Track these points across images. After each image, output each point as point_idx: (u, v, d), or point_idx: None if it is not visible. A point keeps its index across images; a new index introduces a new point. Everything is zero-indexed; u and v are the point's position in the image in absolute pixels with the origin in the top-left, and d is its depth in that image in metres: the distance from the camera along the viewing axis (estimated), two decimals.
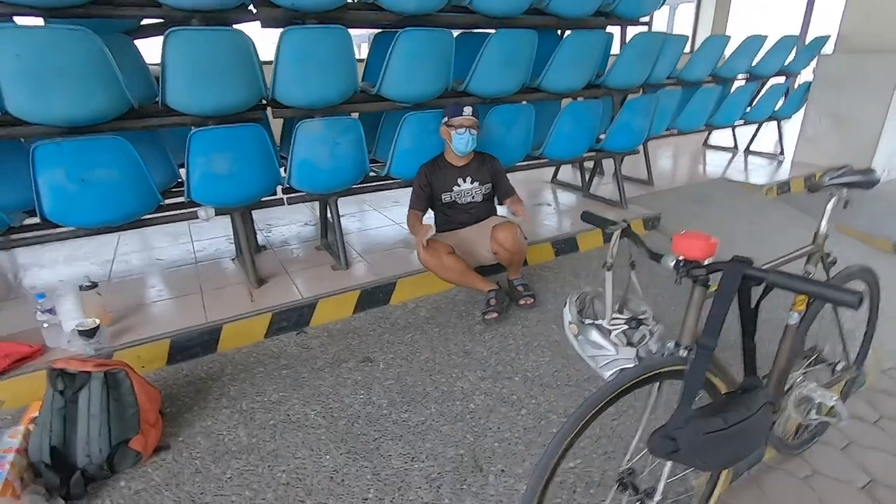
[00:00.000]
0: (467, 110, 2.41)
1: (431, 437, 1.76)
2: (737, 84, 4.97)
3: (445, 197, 2.56)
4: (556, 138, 3.15)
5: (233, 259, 2.89)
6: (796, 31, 7.00)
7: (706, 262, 1.05)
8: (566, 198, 4.07)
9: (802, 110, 5.12)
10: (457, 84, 2.88)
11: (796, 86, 5.22)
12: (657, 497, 1.17)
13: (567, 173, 4.46)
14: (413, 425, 1.82)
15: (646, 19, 3.86)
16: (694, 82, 4.37)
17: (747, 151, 5.59)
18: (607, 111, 3.69)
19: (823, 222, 1.55)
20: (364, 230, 3.39)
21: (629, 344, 1.22)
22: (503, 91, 2.98)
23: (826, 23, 5.24)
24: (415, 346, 2.28)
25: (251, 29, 2.85)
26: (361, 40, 6.25)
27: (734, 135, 5.63)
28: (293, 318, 2.36)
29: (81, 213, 2.05)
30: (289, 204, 2.60)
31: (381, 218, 3.61)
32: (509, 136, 2.95)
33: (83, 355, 1.92)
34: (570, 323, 1.29)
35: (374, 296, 2.56)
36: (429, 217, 2.62)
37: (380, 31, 3.21)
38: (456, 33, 3.12)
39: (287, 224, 3.55)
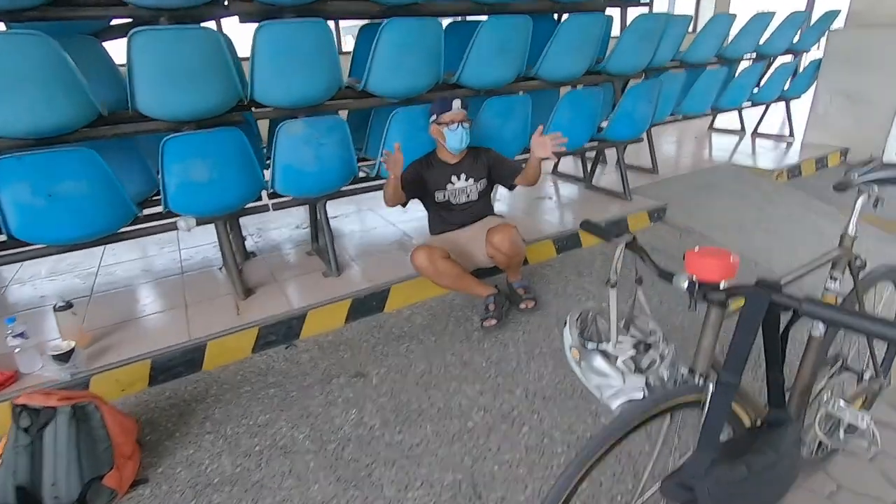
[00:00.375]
0: (456, 104, 2.27)
1: (427, 462, 1.65)
2: (743, 64, 4.77)
3: (439, 196, 2.42)
4: (555, 129, 2.96)
5: (220, 268, 2.77)
6: (802, 6, 6.74)
7: (725, 285, 0.91)
8: (568, 190, 3.92)
9: (812, 90, 4.92)
10: (448, 76, 2.73)
11: (805, 64, 5.01)
12: None
13: (568, 164, 4.31)
14: (407, 448, 1.70)
15: (646, 0, 3.66)
16: (699, 64, 4.18)
17: (755, 134, 5.40)
18: (608, 98, 3.52)
19: (852, 223, 1.41)
20: (358, 232, 3.26)
21: (637, 370, 1.09)
22: (497, 82, 2.82)
23: None
24: (410, 357, 2.16)
25: (231, 25, 2.72)
26: (350, 32, 6.07)
27: (741, 117, 5.43)
28: (282, 332, 2.25)
29: (51, 230, 1.93)
30: (274, 210, 2.47)
31: (375, 218, 3.48)
32: (505, 128, 2.80)
33: (56, 382, 1.82)
34: (571, 347, 1.16)
35: (367, 304, 2.44)
36: (422, 217, 2.49)
37: (366, 22, 3.06)
38: (445, 22, 2.97)
39: (278, 228, 3.42)
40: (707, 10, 7.92)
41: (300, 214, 3.63)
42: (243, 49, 2.22)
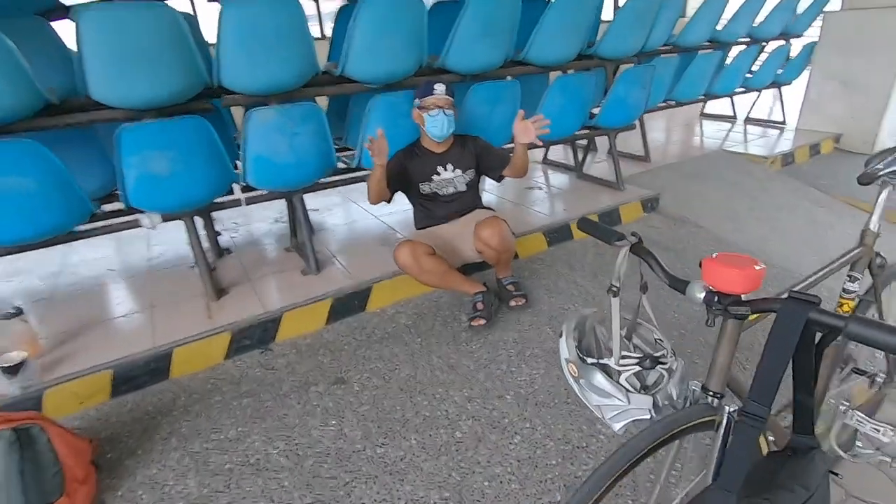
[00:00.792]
0: (439, 88, 2.11)
1: (411, 478, 1.53)
2: (735, 49, 4.64)
3: (424, 188, 2.28)
4: (545, 116, 2.84)
5: (192, 266, 2.60)
6: None
7: (748, 297, 0.79)
8: (558, 179, 3.79)
9: (805, 74, 4.82)
10: (432, 60, 2.56)
11: (795, 49, 4.90)
12: None
13: (558, 152, 4.18)
14: (390, 462, 1.58)
15: None
16: (692, 48, 4.05)
17: (747, 120, 5.30)
18: (600, 84, 3.38)
19: (874, 219, 1.29)
20: (340, 226, 3.11)
21: (643, 388, 0.97)
22: (485, 66, 2.66)
23: None
24: (394, 361, 2.03)
25: (204, 7, 2.53)
26: (328, 18, 5.82)
27: (733, 103, 5.33)
28: (256, 335, 2.10)
29: None
30: (247, 204, 2.31)
31: (358, 211, 3.33)
32: (494, 115, 2.65)
33: (5, 398, 1.66)
34: (567, 361, 1.03)
35: (349, 303, 2.30)
36: (408, 209, 2.35)
37: (345, 3, 2.88)
38: (430, 2, 2.79)
39: (256, 221, 3.26)
40: None
41: (280, 207, 3.45)
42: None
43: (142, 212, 2.06)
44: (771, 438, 1.05)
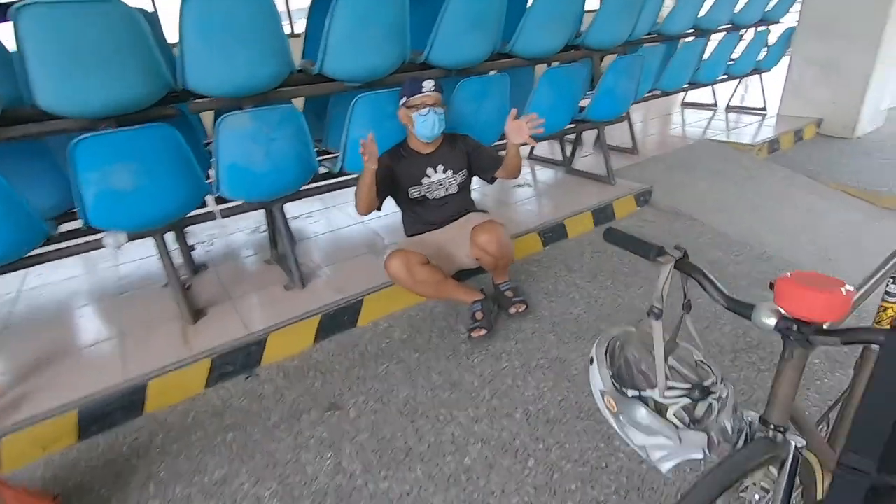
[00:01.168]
0: (427, 85, 1.97)
1: None
2: (715, 36, 4.60)
3: (413, 192, 2.13)
4: (534, 111, 2.71)
5: (165, 285, 2.41)
6: None
7: (830, 325, 0.67)
8: (547, 175, 3.68)
9: (785, 60, 4.81)
10: (415, 55, 2.41)
11: (773, 36, 4.88)
12: None
13: (544, 147, 4.06)
14: (396, 498, 1.44)
15: None
16: (675, 36, 3.98)
17: (728, 108, 5.28)
18: (587, 75, 3.28)
19: None
20: (323, 234, 2.94)
21: (693, 421, 0.85)
22: (471, 60, 2.52)
23: None
24: (391, 381, 1.89)
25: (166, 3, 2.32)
26: (302, 15, 5.60)
27: (713, 91, 5.30)
28: (239, 360, 1.93)
29: None
30: (223, 217, 2.13)
31: (343, 217, 3.16)
32: (481, 112, 2.51)
33: None
34: (602, 393, 0.91)
35: (338, 319, 2.15)
36: (397, 213, 2.20)
37: None
38: None
39: (233, 233, 3.06)
40: None
41: (258, 216, 3.26)
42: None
43: (104, 231, 1.87)
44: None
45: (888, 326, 1.07)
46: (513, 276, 2.33)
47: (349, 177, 2.42)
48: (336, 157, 2.37)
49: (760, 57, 4.71)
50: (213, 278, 2.46)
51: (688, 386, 0.85)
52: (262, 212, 3.17)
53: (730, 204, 3.29)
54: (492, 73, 2.71)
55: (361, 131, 2.16)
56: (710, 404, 0.87)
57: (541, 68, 3.44)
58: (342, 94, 2.40)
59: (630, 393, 0.88)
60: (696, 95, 5.47)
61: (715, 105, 5.38)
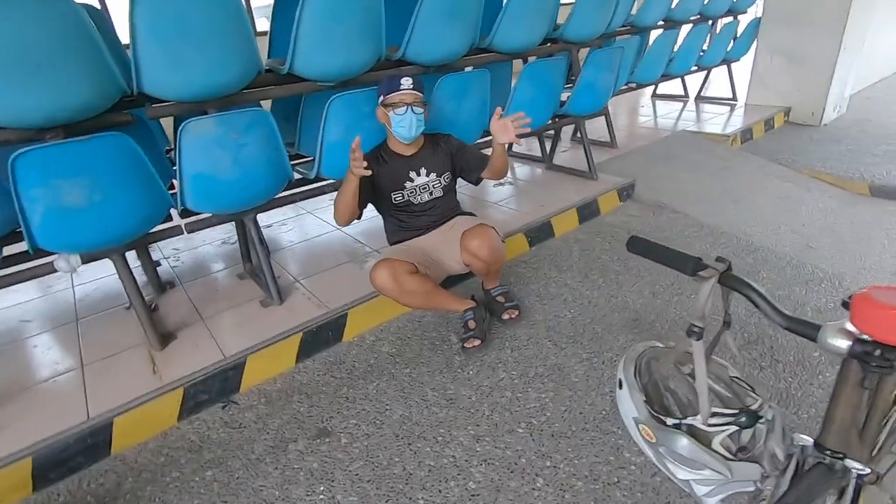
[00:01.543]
0: (406, 82, 1.85)
1: None
2: (685, 28, 4.62)
3: (396, 197, 2.01)
4: (516, 108, 2.61)
5: (127, 307, 2.22)
6: None
7: None
8: (527, 172, 3.61)
9: (752, 50, 4.87)
10: (391, 52, 2.28)
11: (741, 26, 4.94)
12: None
13: (521, 143, 3.97)
14: None
15: None
16: (648, 27, 3.95)
17: (698, 99, 5.33)
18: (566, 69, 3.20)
19: None
20: (299, 243, 2.78)
21: (741, 449, 0.77)
22: (449, 55, 2.41)
23: None
24: (382, 400, 1.77)
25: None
26: (264, 13, 5.37)
27: (684, 82, 5.34)
28: (215, 387, 1.78)
29: None
30: (189, 232, 1.96)
31: (319, 224, 3.00)
32: (461, 111, 2.41)
33: None
34: (637, 422, 0.82)
35: (321, 335, 2.01)
36: (374, 216, 2.07)
37: None
38: None
39: (201, 245, 2.87)
40: None
41: (228, 227, 3.07)
42: None
43: (55, 254, 1.68)
44: None
45: None
46: (502, 279, 2.24)
47: (325, 182, 2.28)
48: (310, 161, 2.22)
49: (729, 48, 4.75)
50: (181, 297, 2.28)
51: (734, 411, 0.76)
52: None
53: (710, 195, 3.28)
54: (467, 69, 2.60)
55: (338, 134, 2.03)
56: (757, 429, 0.79)
57: (518, 65, 3.37)
58: (315, 94, 2.25)
59: (669, 422, 0.79)
60: (666, 87, 5.51)
61: (686, 96, 5.42)
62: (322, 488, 1.46)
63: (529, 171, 3.61)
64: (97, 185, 1.57)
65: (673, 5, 4.03)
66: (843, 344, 0.61)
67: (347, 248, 2.62)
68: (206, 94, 1.82)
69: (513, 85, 2.67)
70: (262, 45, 2.58)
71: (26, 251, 1.65)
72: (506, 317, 2.07)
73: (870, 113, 4.89)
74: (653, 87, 5.49)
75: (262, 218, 2.94)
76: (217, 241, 2.91)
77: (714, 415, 0.76)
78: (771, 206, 3.20)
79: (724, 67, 4.98)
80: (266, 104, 2.63)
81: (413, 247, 2.04)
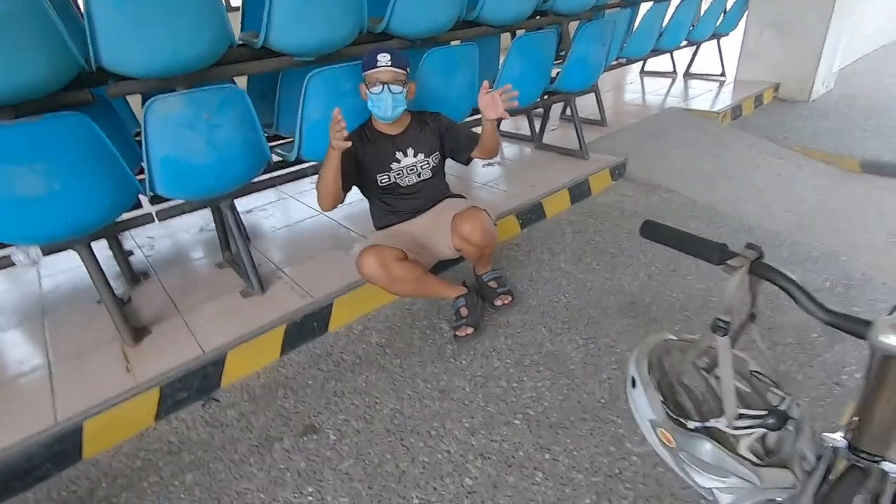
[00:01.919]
0: (383, 58, 1.71)
1: None
2: (674, 2, 4.50)
3: (382, 179, 1.90)
4: (505, 83, 2.51)
5: (99, 301, 2.09)
6: None
7: None
8: (516, 152, 3.51)
9: (742, 25, 4.78)
10: (373, 24, 2.14)
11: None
12: None
13: (508, 122, 3.87)
14: None
15: None
16: (638, 0, 3.83)
17: (687, 75, 5.24)
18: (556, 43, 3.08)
19: None
20: (281, 228, 2.66)
21: (768, 453, 0.70)
22: (435, 27, 2.28)
23: None
24: (372, 393, 1.69)
25: None
26: None
27: (672, 58, 5.24)
28: (194, 384, 1.68)
29: None
30: (161, 220, 1.83)
31: (301, 209, 2.87)
32: (450, 87, 2.29)
33: None
34: (653, 424, 0.75)
35: (307, 326, 1.91)
36: (359, 198, 1.97)
37: None
38: None
39: (177, 232, 2.73)
40: None
41: (205, 213, 2.93)
42: None
43: (12, 246, 1.55)
44: None
45: None
46: (494, 263, 2.16)
47: (307, 164, 2.15)
48: (290, 142, 2.09)
49: (719, 22, 4.65)
50: (156, 288, 2.16)
51: (762, 413, 0.69)
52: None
53: (703, 173, 3.22)
54: (454, 43, 2.47)
55: (318, 112, 1.91)
56: (785, 431, 0.72)
57: (505, 41, 3.24)
58: (293, 70, 2.11)
59: (691, 425, 0.72)
60: (654, 63, 5.41)
61: (674, 72, 5.33)
62: (311, 489, 1.38)
63: (518, 151, 3.51)
64: (55, 171, 1.44)
65: None
66: None
67: (332, 234, 2.51)
68: (173, 70, 1.68)
69: (501, 60, 2.55)
70: (236, 21, 2.43)
71: None
72: (499, 303, 2.00)
73: (856, 88, 4.87)
74: (641, 63, 5.40)
75: (242, 203, 2.82)
76: (195, 227, 2.77)
77: (741, 416, 0.70)
78: (763, 183, 3.16)
79: (713, 43, 4.90)
80: (241, 82, 2.49)
81: (401, 231, 1.94)
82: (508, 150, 3.55)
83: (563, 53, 3.33)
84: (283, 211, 2.87)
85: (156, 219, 1.80)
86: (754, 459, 0.69)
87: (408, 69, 1.76)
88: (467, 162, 2.02)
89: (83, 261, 1.70)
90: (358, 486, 1.38)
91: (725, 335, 0.68)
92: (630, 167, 3.15)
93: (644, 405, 0.76)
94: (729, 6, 4.69)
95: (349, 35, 2.04)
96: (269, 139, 2.45)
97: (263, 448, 1.51)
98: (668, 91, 4.84)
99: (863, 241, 2.55)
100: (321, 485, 1.39)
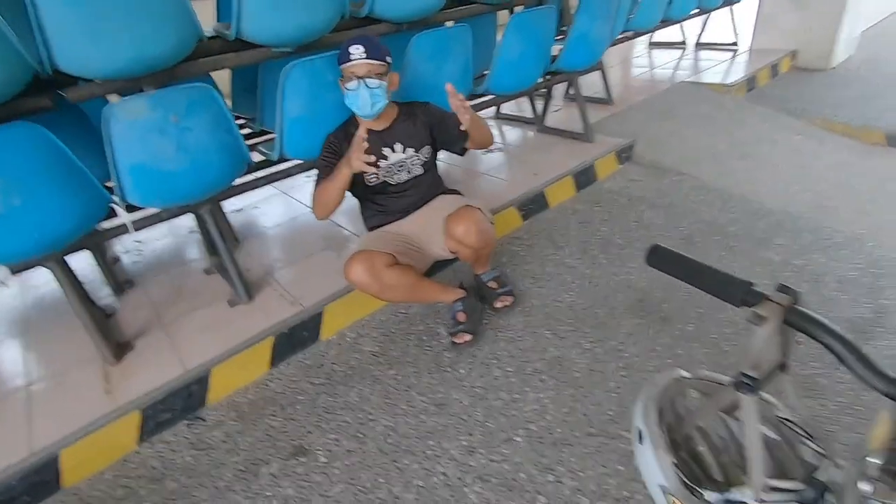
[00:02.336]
0: (356, 51, 1.56)
1: None
2: None
3: (371, 178, 1.77)
4: (502, 66, 2.35)
5: None
6: None
7: None
8: (517, 136, 3.35)
9: None
10: (355, 8, 1.99)
11: None
12: None
13: (511, 103, 3.68)
14: None
15: None
16: None
17: (698, 45, 4.98)
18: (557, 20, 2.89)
19: None
20: (270, 229, 2.54)
21: None
22: (424, 8, 2.11)
23: None
24: (365, 409, 1.60)
25: None
26: None
27: (682, 28, 4.97)
28: (178, 404, 1.60)
29: None
30: (137, 230, 1.73)
31: (292, 205, 2.76)
32: (442, 73, 2.12)
33: None
34: (664, 490, 0.63)
35: (296, 335, 1.82)
36: (353, 208, 1.84)
37: None
38: None
39: (164, 237, 2.63)
40: None
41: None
42: None
43: None
44: None
45: None
46: (494, 260, 2.03)
47: (293, 163, 2.03)
48: (273, 139, 1.96)
49: None
50: (141, 298, 2.07)
51: (799, 487, 0.57)
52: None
53: (716, 152, 3.04)
54: (448, 24, 2.31)
55: (299, 107, 1.77)
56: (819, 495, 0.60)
57: (502, 17, 3.04)
58: (272, 62, 1.97)
59: (709, 496, 0.60)
60: (663, 34, 5.14)
61: (684, 43, 5.07)
62: None
63: (520, 135, 3.35)
64: (10, 186, 1.33)
65: None
66: None
67: (324, 233, 2.40)
68: (137, 69, 1.55)
69: (498, 40, 2.38)
70: (209, 10, 2.28)
71: None
72: (499, 304, 1.89)
73: (880, 52, 4.58)
74: (649, 35, 5.13)
75: (232, 201, 2.71)
76: (184, 229, 2.67)
77: (775, 489, 0.58)
78: (781, 161, 2.97)
79: (726, 10, 4.62)
80: (225, 76, 2.36)
81: (392, 233, 1.82)
82: (509, 134, 3.39)
83: (564, 29, 3.14)
84: (275, 208, 2.76)
85: (131, 229, 1.70)
86: None
87: (388, 59, 1.62)
88: (462, 153, 1.89)
89: (57, 278, 1.61)
90: None
91: (752, 393, 0.56)
92: (638, 148, 2.98)
93: (653, 466, 0.65)
94: None
95: (330, 21, 1.89)
96: (256, 135, 2.33)
97: (249, 473, 1.43)
98: (678, 64, 4.60)
99: (888, 221, 2.38)
100: None
